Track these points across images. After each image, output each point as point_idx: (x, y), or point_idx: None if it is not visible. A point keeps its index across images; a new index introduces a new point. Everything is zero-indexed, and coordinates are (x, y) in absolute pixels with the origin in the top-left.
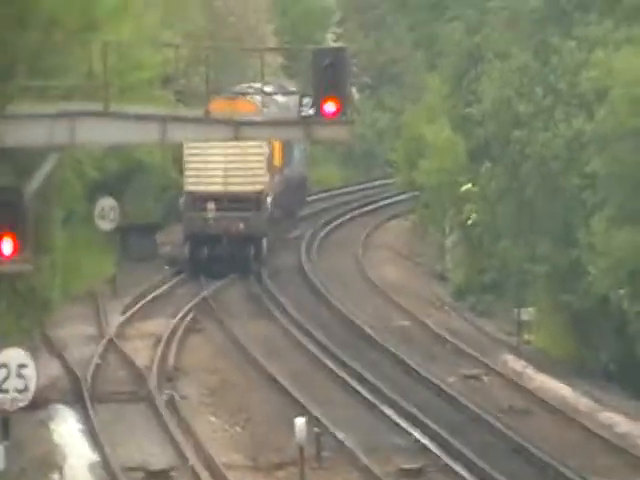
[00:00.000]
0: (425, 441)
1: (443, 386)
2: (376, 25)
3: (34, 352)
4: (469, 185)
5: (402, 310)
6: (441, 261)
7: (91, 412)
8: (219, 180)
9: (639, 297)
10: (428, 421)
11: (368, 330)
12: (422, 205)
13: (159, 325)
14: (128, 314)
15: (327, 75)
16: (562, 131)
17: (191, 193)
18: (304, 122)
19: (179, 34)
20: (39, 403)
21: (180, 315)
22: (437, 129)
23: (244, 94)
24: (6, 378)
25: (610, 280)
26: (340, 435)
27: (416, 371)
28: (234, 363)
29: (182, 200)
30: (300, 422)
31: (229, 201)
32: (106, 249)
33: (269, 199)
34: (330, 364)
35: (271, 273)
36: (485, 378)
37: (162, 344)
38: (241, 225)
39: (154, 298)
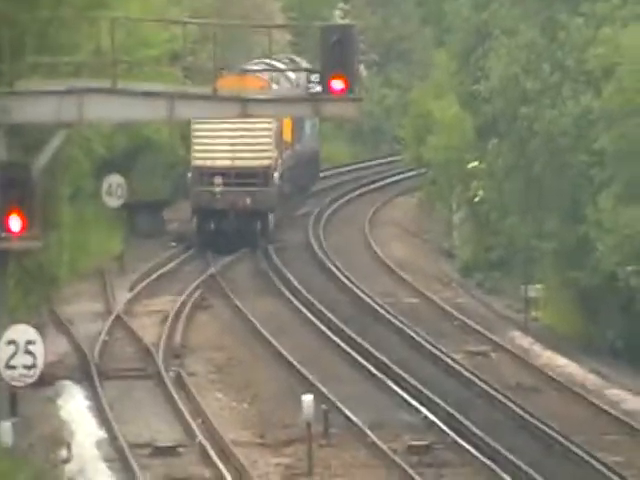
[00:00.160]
0: (433, 418)
1: (450, 363)
2: (383, 2)
3: (42, 329)
4: (476, 162)
5: (409, 287)
6: (448, 238)
7: (99, 389)
8: (226, 155)
9: None
10: (436, 398)
11: (375, 307)
12: (429, 182)
13: (166, 302)
14: (135, 291)
15: (335, 52)
16: (570, 108)
17: (198, 168)
18: (312, 99)
19: (187, 11)
20: (47, 380)
21: (187, 292)
22: (445, 106)
23: (254, 70)
24: (14, 354)
25: (618, 257)
26: (347, 412)
27: (424, 348)
28: (241, 340)
29: (190, 175)
30: (307, 399)
31: (236, 176)
32: (113, 226)
33: (277, 174)
34: (338, 340)
35: (278, 249)
36: (493, 355)
37: (169, 321)
38: (248, 200)
39: (161, 275)
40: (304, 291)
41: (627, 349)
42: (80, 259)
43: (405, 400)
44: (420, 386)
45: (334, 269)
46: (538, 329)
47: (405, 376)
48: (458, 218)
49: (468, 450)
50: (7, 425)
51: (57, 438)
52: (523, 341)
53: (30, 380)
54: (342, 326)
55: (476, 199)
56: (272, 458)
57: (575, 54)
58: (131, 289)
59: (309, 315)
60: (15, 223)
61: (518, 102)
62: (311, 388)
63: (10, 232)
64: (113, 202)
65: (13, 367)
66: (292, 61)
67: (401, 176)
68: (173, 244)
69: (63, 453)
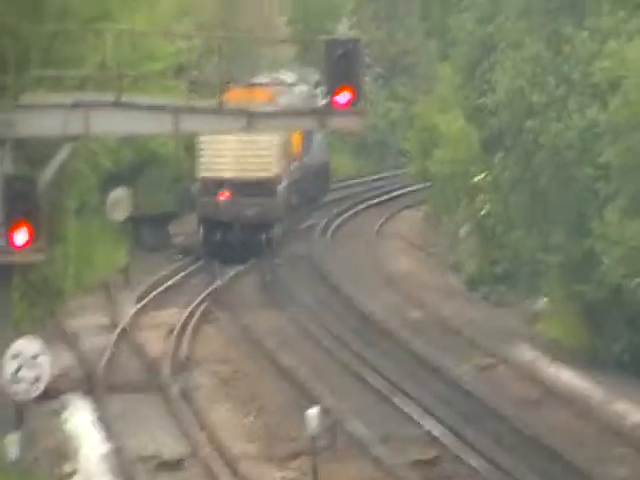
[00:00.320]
0: (438, 432)
1: (456, 376)
2: (388, 16)
3: (47, 342)
4: (482, 175)
5: (415, 300)
6: (454, 251)
7: (104, 402)
8: (232, 166)
9: None
10: (441, 412)
11: (381, 320)
12: (435, 195)
13: (172, 315)
14: (141, 304)
15: (340, 65)
16: (575, 121)
17: (204, 179)
18: (317, 112)
19: (192, 24)
20: (52, 393)
21: (193, 305)
22: (450, 119)
23: (261, 84)
24: (20, 368)
25: (623, 270)
26: (353, 426)
27: (429, 361)
28: (246, 353)
29: (196, 186)
30: (313, 413)
31: (241, 187)
32: (119, 239)
33: (283, 185)
34: (343, 355)
35: (283, 262)
36: (498, 368)
37: (175, 334)
38: (253, 211)
39: (167, 288)
40: (309, 304)
41: (633, 362)
42: (85, 272)
43: (410, 414)
44: (425, 400)
45: (339, 284)
46: (544, 342)
47: (410, 390)
48: (464, 231)
49: (474, 464)
50: (13, 438)
51: (63, 451)
52: (529, 354)
53: (35, 393)
54: (347, 340)
55: (482, 212)
56: (277, 472)
57: (581, 67)
58: (137, 302)
59: (314, 329)
60: (21, 236)
61: (524, 115)
62: (315, 401)
63: (15, 245)
64: (118, 216)
65: (19, 380)
66: (302, 76)
67: (406, 189)
68: (179, 257)
69: (69, 466)
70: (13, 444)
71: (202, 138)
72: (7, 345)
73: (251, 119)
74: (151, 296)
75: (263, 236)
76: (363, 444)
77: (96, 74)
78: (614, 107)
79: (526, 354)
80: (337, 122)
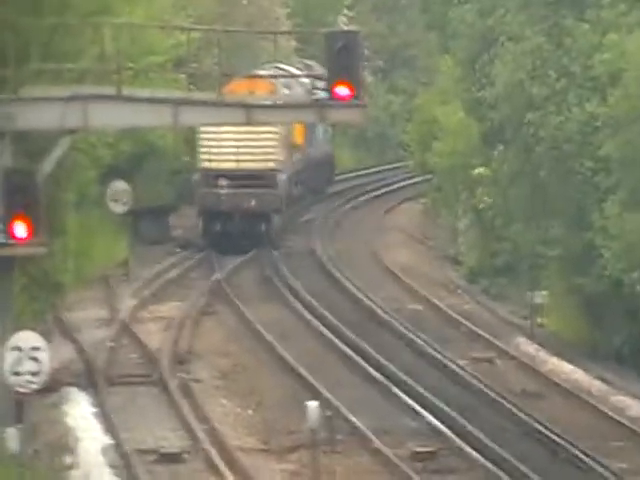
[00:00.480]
0: (438, 424)
1: (456, 369)
2: (388, 9)
3: (47, 335)
4: (482, 168)
5: (415, 293)
6: (454, 244)
7: (104, 395)
8: (232, 157)
9: None
10: (441, 404)
11: (380, 313)
12: (435, 188)
13: (171, 308)
14: (141, 297)
15: (340, 58)
16: (575, 114)
17: (205, 170)
18: (317, 105)
19: (191, 17)
20: (52, 386)
21: (193, 298)
22: (450, 112)
23: (263, 75)
24: (19, 361)
25: (623, 263)
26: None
27: (429, 354)
28: (246, 346)
29: (196, 177)
30: (312, 406)
31: (241, 178)
32: (118, 232)
33: (284, 176)
34: (343, 347)
35: (283, 255)
36: (498, 361)
37: (175, 327)
38: (252, 202)
39: (167, 281)
40: (308, 297)
41: (633, 355)
42: (85, 265)
43: (410, 406)
44: (425, 392)
45: (339, 276)
46: (544, 335)
47: (410, 382)
48: (463, 224)
49: (473, 456)
50: (13, 431)
51: (63, 445)
52: (528, 347)
53: (35, 386)
54: (347, 332)
55: (481, 205)
56: (277, 464)
57: (581, 60)
58: (136, 295)
59: (314, 321)
60: (20, 230)
61: (524, 108)
62: (315, 394)
63: (15, 238)
64: (118, 208)
65: (19, 374)
66: (307, 66)
67: (407, 182)
68: (178, 250)
69: (69, 460)
70: (13, 437)
71: (202, 129)
72: (7, 338)
73: (250, 111)
74: (151, 289)
75: (263, 227)
76: (363, 436)
77: (95, 67)
78: (614, 100)
79: (526, 347)
80: (337, 115)
